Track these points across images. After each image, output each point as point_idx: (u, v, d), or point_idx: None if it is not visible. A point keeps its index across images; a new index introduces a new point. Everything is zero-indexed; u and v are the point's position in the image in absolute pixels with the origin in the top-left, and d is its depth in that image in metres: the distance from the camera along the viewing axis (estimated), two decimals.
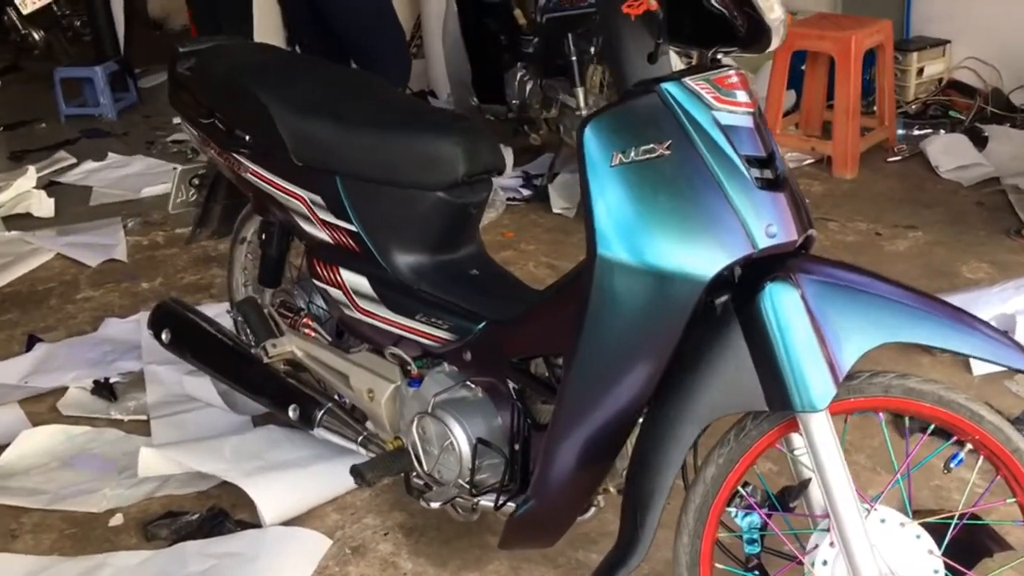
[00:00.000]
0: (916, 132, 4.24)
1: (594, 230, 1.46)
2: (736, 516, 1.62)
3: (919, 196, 3.77)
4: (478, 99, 4.38)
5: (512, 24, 4.16)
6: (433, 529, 2.18)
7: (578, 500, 1.71)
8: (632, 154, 1.44)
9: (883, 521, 1.51)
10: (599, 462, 1.65)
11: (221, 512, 2.22)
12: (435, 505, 1.84)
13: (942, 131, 4.19)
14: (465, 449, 1.82)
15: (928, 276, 3.06)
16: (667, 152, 1.44)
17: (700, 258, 1.43)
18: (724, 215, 1.43)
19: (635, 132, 1.46)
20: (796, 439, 1.63)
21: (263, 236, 2.28)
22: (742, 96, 1.47)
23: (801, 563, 1.58)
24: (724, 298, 1.51)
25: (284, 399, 2.18)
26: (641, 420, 1.58)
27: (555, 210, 3.85)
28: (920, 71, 4.50)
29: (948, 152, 3.97)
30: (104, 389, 2.77)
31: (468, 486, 1.83)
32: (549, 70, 3.88)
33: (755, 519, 1.63)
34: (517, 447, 1.78)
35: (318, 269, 2.08)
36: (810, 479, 1.60)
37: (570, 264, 3.51)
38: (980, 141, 4.03)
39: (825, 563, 1.53)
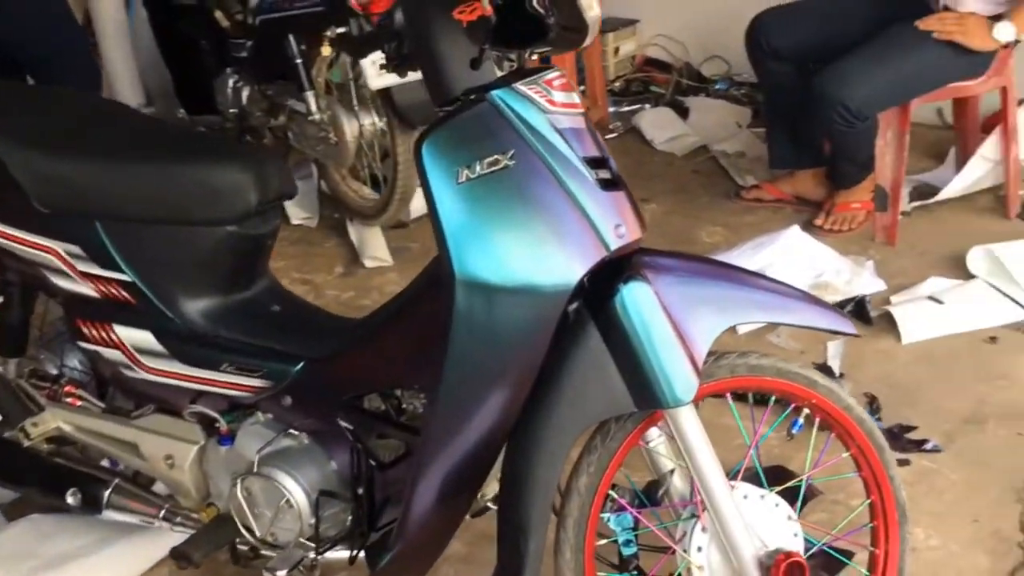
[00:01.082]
0: (625, 108, 4.48)
1: (449, 253, 1.36)
2: (608, 520, 1.61)
3: (642, 170, 3.99)
4: (185, 110, 4.03)
5: (214, 27, 3.86)
6: None
7: (446, 534, 1.61)
8: (477, 167, 1.36)
9: (745, 497, 1.55)
10: (468, 491, 1.56)
11: None
12: (281, 574, 1.66)
13: (647, 106, 4.47)
14: (304, 504, 1.65)
15: (673, 245, 3.24)
16: (511, 162, 1.37)
17: (559, 267, 1.38)
18: (575, 221, 1.39)
19: (475, 145, 1.38)
20: (651, 433, 1.64)
21: (0, 300, 1.93)
22: (572, 98, 1.43)
23: (675, 553, 1.60)
24: (576, 305, 1.47)
25: (58, 484, 1.87)
26: (507, 443, 1.51)
27: (294, 221, 3.65)
28: (616, 50, 4.76)
29: (657, 125, 4.24)
30: None
31: (313, 544, 1.66)
32: (266, 74, 3.65)
33: (627, 519, 1.63)
34: (360, 491, 1.65)
35: (84, 330, 1.79)
36: (672, 470, 1.63)
37: (326, 276, 3.37)
38: (683, 112, 4.34)
39: (700, 549, 1.55)
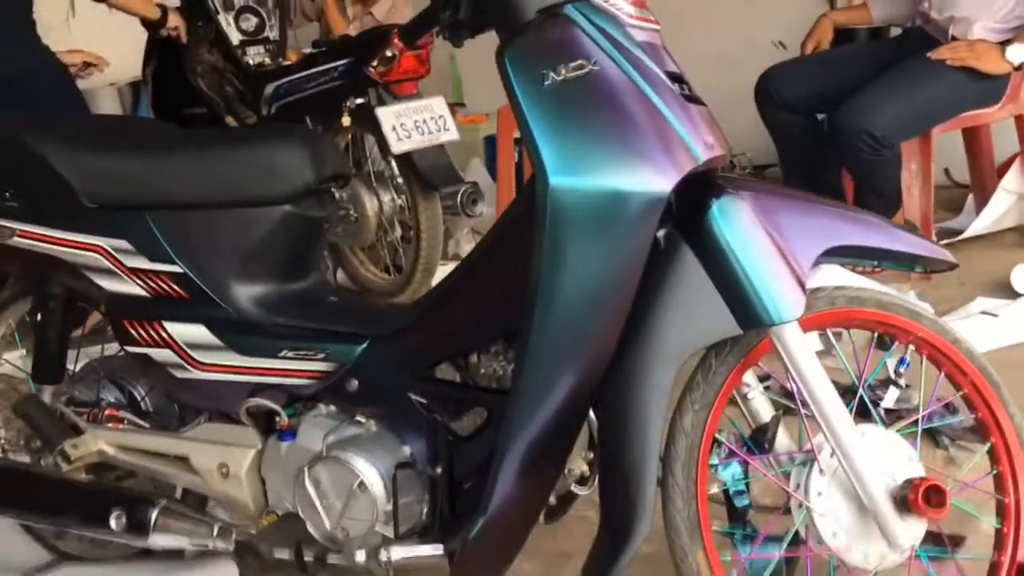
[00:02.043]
0: None
1: (541, 159, 1.29)
2: (717, 470, 1.48)
3: None
4: None
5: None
6: None
7: (537, 504, 1.47)
8: (563, 71, 1.31)
9: (863, 435, 1.43)
10: (561, 450, 1.43)
11: None
12: (360, 559, 1.49)
13: None
14: (378, 486, 1.51)
15: None
16: (595, 67, 1.32)
17: (651, 174, 1.31)
18: (664, 129, 1.33)
19: (557, 52, 1.33)
20: (749, 384, 1.53)
21: (39, 317, 1.83)
22: (646, 13, 1.40)
23: (788, 511, 1.46)
24: (666, 230, 1.39)
25: (100, 509, 1.70)
26: (603, 385, 1.39)
27: None
28: None
29: None
30: None
31: (392, 530, 1.50)
32: None
33: (736, 468, 1.49)
34: (440, 470, 1.51)
35: (132, 332, 1.68)
36: (779, 414, 1.51)
37: None
38: None
39: (820, 494, 1.41)
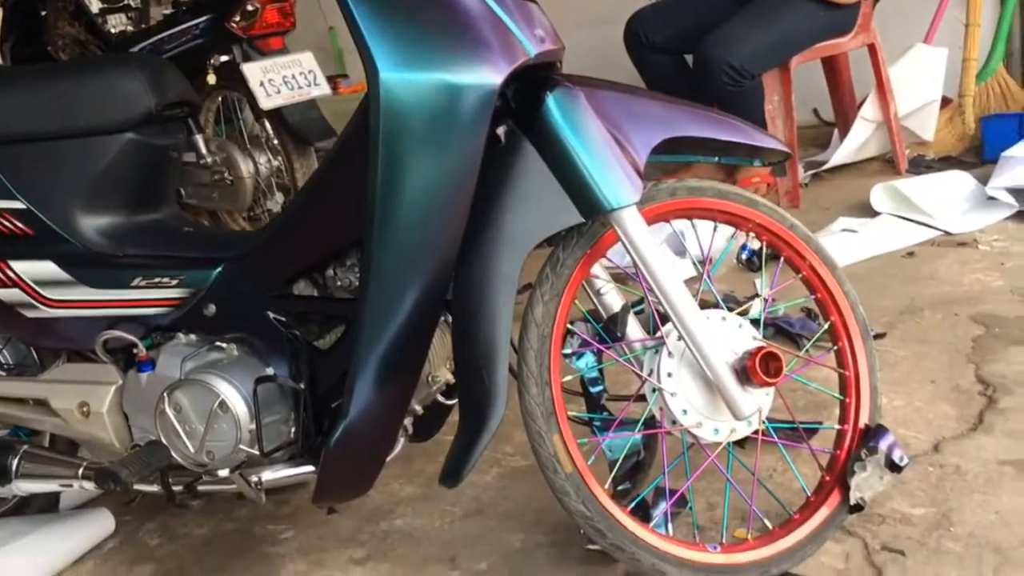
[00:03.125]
0: None
1: (371, 53, 1.29)
2: (571, 361, 1.52)
3: None
4: None
5: None
6: (196, 564, 1.78)
7: (398, 407, 1.48)
8: None
9: (707, 319, 1.48)
10: (416, 353, 1.44)
11: None
12: (223, 473, 1.49)
13: None
14: (239, 405, 1.50)
15: None
16: None
17: (485, 66, 1.33)
18: (495, 23, 1.35)
19: None
20: (597, 282, 1.58)
21: None
22: None
23: (642, 397, 1.51)
24: (505, 126, 1.42)
25: None
26: (454, 280, 1.41)
27: None
28: None
29: None
30: None
31: (257, 448, 1.50)
32: None
33: (590, 358, 1.54)
34: (302, 384, 1.51)
35: None
36: (628, 303, 1.56)
37: None
38: None
39: (670, 375, 1.47)
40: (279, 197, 3.47)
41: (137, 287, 1.59)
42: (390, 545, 1.74)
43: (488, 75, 1.34)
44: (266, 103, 3.11)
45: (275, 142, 3.38)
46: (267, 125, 3.37)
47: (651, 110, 1.51)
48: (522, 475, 1.91)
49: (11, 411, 1.72)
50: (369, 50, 1.30)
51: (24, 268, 1.62)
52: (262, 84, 3.11)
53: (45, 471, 1.66)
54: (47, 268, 1.61)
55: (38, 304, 1.62)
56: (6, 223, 1.61)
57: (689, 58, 3.41)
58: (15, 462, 1.65)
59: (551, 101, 1.39)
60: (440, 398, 1.66)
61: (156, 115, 1.62)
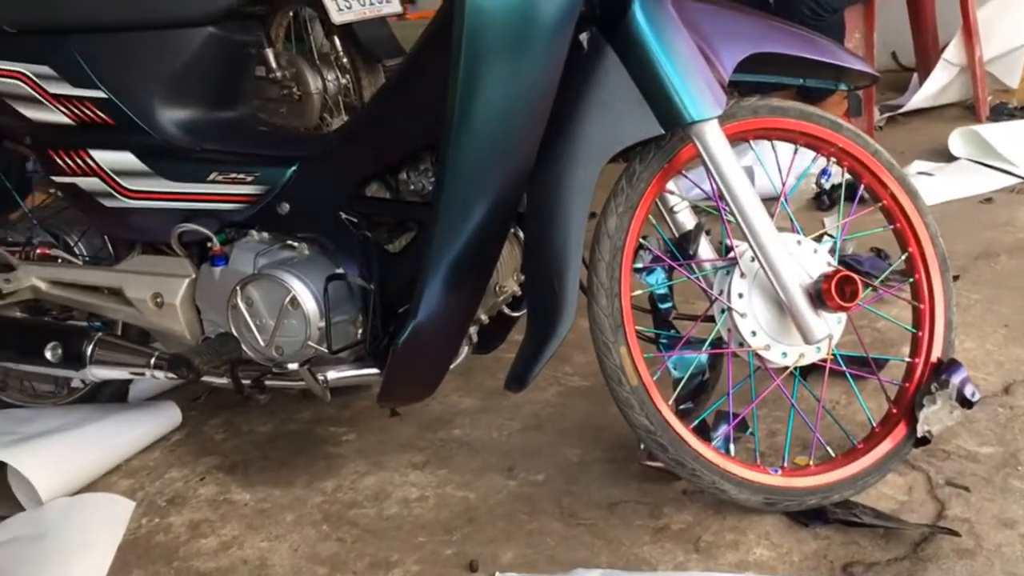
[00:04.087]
0: None
1: None
2: (642, 277, 1.51)
3: None
4: None
5: None
6: (260, 459, 1.82)
7: (466, 313, 1.48)
8: None
9: (783, 240, 1.45)
10: (487, 253, 1.44)
11: None
12: (292, 367, 1.52)
13: None
14: (310, 301, 1.52)
15: None
16: None
17: None
18: None
19: None
20: (670, 199, 1.56)
21: None
22: None
23: (710, 319, 1.49)
24: (588, 33, 1.40)
25: (36, 342, 1.71)
26: (530, 182, 1.40)
27: None
28: None
29: None
30: None
31: (325, 346, 1.52)
32: None
33: (660, 274, 1.53)
34: (372, 285, 1.52)
35: (58, 161, 1.67)
36: (702, 223, 1.54)
37: None
38: None
39: (741, 296, 1.45)
40: (344, 116, 3.47)
41: (213, 182, 1.61)
42: (448, 452, 1.77)
43: None
44: (337, 17, 3.08)
45: (344, 60, 3.36)
46: (337, 42, 3.34)
47: (739, 23, 1.47)
48: (581, 394, 1.92)
49: (86, 299, 1.76)
50: None
51: (104, 157, 1.64)
52: None
53: (118, 358, 1.70)
54: (126, 158, 1.63)
55: (116, 194, 1.65)
56: (87, 111, 1.63)
57: None
58: (90, 348, 1.69)
59: (637, 7, 1.36)
60: (505, 309, 1.66)
61: (237, 10, 1.61)
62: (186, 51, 1.61)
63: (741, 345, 1.46)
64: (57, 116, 1.64)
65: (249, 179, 1.59)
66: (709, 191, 1.48)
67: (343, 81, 3.42)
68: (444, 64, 1.34)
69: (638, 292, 1.49)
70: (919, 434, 1.49)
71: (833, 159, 1.57)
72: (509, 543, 1.49)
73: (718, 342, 1.49)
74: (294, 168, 1.58)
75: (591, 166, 1.37)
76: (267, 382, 1.62)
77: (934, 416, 1.48)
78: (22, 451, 1.69)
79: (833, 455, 1.51)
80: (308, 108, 3.41)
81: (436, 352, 1.50)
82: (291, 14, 3.40)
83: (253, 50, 1.69)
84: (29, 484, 1.67)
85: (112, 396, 1.97)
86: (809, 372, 1.63)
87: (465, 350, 1.62)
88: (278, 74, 3.33)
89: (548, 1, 1.30)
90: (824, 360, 1.49)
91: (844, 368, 1.54)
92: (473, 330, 1.61)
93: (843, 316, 1.46)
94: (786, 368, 1.48)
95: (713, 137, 1.38)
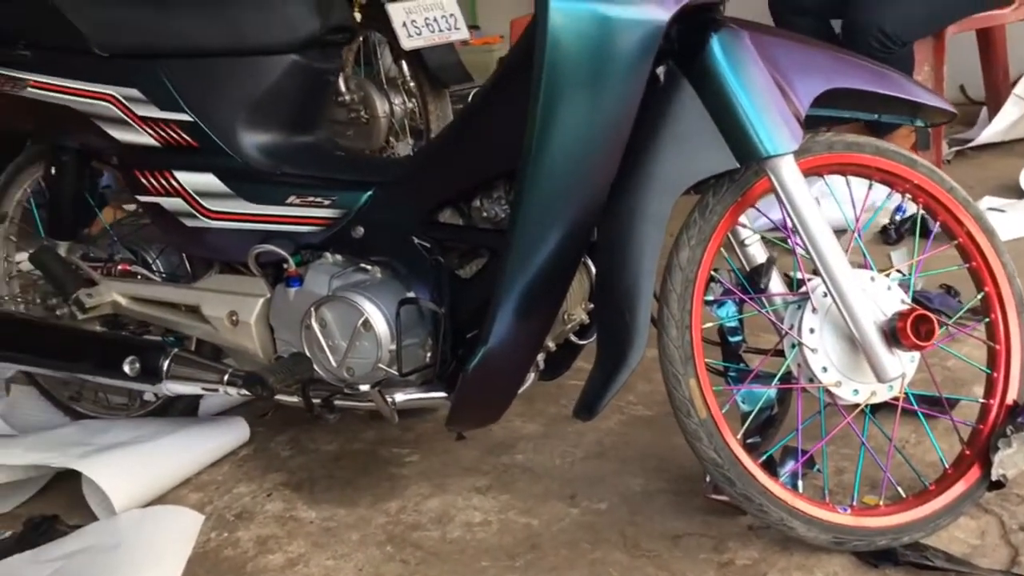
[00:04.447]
0: None
1: None
2: (712, 309, 1.51)
3: None
4: None
5: None
6: (325, 478, 1.85)
7: (535, 340, 1.50)
8: None
9: (856, 276, 1.45)
10: (558, 282, 1.46)
11: (46, 519, 1.74)
12: (363, 387, 1.54)
13: None
14: (382, 324, 1.55)
15: None
16: None
17: (653, 2, 1.32)
18: None
19: None
20: (742, 232, 1.56)
21: (53, 172, 1.86)
22: None
23: (779, 352, 1.49)
24: (665, 66, 1.41)
25: (115, 356, 1.76)
26: (603, 216, 1.41)
27: None
28: None
29: None
30: None
31: (396, 369, 1.55)
32: None
33: (731, 307, 1.53)
34: (443, 308, 1.55)
35: (143, 181, 1.72)
36: (774, 257, 1.54)
37: None
38: None
39: (812, 331, 1.44)
40: (410, 140, 3.52)
41: (291, 205, 1.65)
42: (511, 478, 1.78)
43: (656, 11, 1.33)
44: (407, 43, 3.14)
45: (411, 84, 3.42)
46: (404, 67, 3.40)
47: (816, 58, 1.47)
48: (644, 424, 1.92)
49: (164, 315, 1.81)
50: None
51: (187, 179, 1.69)
52: (404, 24, 3.14)
53: (193, 374, 1.74)
54: (208, 180, 1.68)
55: (198, 214, 1.70)
56: (173, 134, 1.69)
57: (836, 23, 3.30)
58: (166, 363, 1.73)
59: (715, 42, 1.37)
60: (573, 337, 1.67)
61: (319, 39, 1.66)
62: (269, 77, 1.66)
63: (811, 381, 1.46)
64: (144, 138, 1.70)
65: (326, 203, 1.63)
66: (777, 221, 1.48)
67: (409, 105, 3.48)
68: (522, 94, 1.37)
69: (708, 325, 1.49)
70: (993, 477, 1.46)
71: (908, 195, 1.55)
72: (572, 572, 1.50)
73: (788, 377, 1.48)
74: (369, 193, 1.61)
75: (665, 198, 1.38)
76: (336, 402, 1.65)
77: (1009, 460, 1.46)
78: (97, 462, 1.74)
79: (904, 495, 1.49)
80: (375, 131, 3.47)
81: (505, 378, 1.51)
82: (361, 39, 3.46)
83: (332, 77, 1.74)
84: (103, 494, 1.71)
85: (183, 410, 2.01)
86: (878, 409, 1.61)
87: (532, 376, 1.63)
88: (347, 97, 3.40)
89: (628, 36, 1.32)
90: (896, 398, 1.47)
91: (916, 407, 1.52)
92: (540, 357, 1.63)
93: (916, 355, 1.45)
94: (857, 406, 1.47)
95: (788, 172, 1.39)
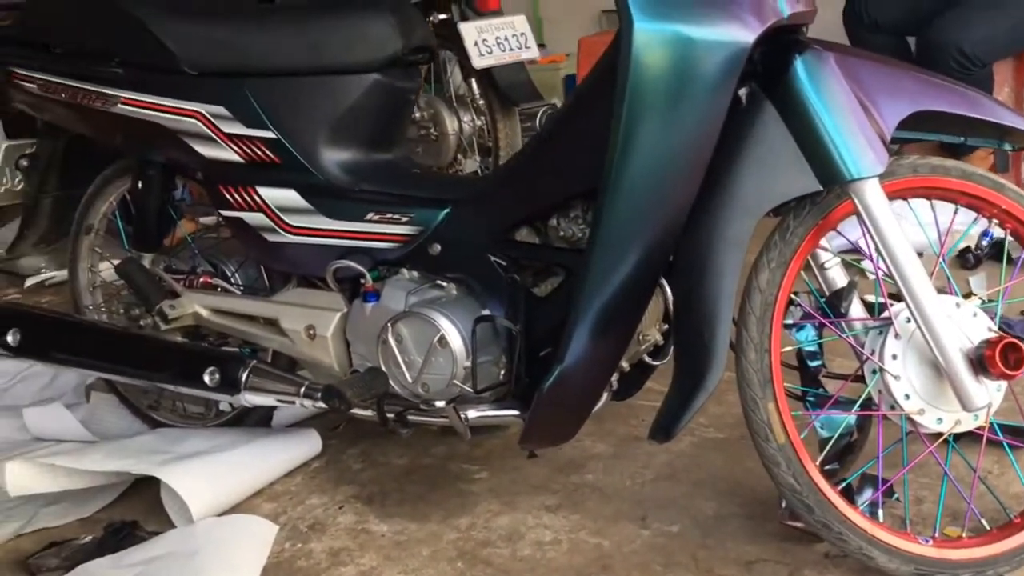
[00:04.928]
0: None
1: (627, 2, 1.31)
2: (791, 333, 1.50)
3: None
4: None
5: None
6: (396, 492, 1.86)
7: (611, 360, 1.50)
8: None
9: (942, 302, 1.42)
10: (636, 302, 1.46)
11: (126, 525, 1.78)
12: (439, 404, 1.56)
13: None
14: (458, 341, 1.56)
15: None
16: None
17: (737, 24, 1.32)
18: None
19: None
20: (822, 255, 1.55)
21: (139, 185, 1.92)
22: None
23: (859, 378, 1.46)
24: (748, 88, 1.40)
25: (196, 366, 1.80)
26: (683, 236, 1.41)
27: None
28: None
29: None
30: None
31: (471, 386, 1.56)
32: None
33: (810, 331, 1.51)
34: (518, 326, 1.55)
35: (227, 196, 1.77)
36: (855, 281, 1.52)
37: None
38: None
39: (895, 357, 1.42)
40: (477, 157, 3.56)
41: (370, 221, 1.67)
42: (581, 497, 1.77)
43: (740, 33, 1.33)
44: (478, 62, 3.18)
45: (480, 102, 3.46)
46: (474, 85, 3.44)
47: (901, 80, 1.45)
48: (716, 446, 1.90)
49: (244, 327, 1.85)
50: (626, 1, 1.31)
51: (269, 194, 1.73)
52: (476, 44, 3.18)
53: (270, 386, 1.77)
54: (290, 196, 1.72)
55: (279, 229, 1.73)
56: (257, 150, 1.73)
57: (912, 41, 3.25)
58: (245, 375, 1.76)
59: (800, 64, 1.37)
60: (646, 358, 1.66)
61: (401, 59, 1.69)
62: (352, 96, 1.70)
63: (893, 408, 1.43)
64: (229, 154, 1.74)
65: (404, 219, 1.65)
66: (857, 243, 1.46)
67: (478, 123, 3.52)
68: (602, 115, 1.38)
69: (787, 349, 1.47)
70: None
71: (995, 220, 1.52)
72: None
73: (868, 403, 1.46)
74: (447, 211, 1.63)
75: (745, 221, 1.37)
76: (410, 417, 1.66)
77: None
78: (176, 470, 1.78)
79: (988, 527, 1.45)
80: (444, 148, 3.51)
81: (580, 397, 1.51)
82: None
83: (412, 96, 1.77)
84: (181, 502, 1.75)
85: (257, 421, 2.05)
86: (960, 438, 1.57)
87: (604, 396, 1.63)
88: (417, 115, 3.45)
89: (711, 58, 1.32)
90: (980, 428, 1.44)
91: (1000, 437, 1.48)
92: (614, 377, 1.62)
93: (1003, 384, 1.41)
94: (940, 434, 1.44)
95: (873, 196, 1.37)
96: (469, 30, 3.19)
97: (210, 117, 1.73)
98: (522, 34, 3.30)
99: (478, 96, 3.45)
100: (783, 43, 1.39)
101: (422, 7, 3.28)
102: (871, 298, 1.57)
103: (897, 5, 3.25)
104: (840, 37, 3.41)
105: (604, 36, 4.92)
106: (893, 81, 1.43)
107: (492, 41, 3.22)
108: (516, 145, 3.41)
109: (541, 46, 5.68)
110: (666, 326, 1.61)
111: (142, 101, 1.78)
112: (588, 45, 4.30)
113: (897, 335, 1.42)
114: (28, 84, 1.93)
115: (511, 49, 3.25)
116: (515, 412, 1.58)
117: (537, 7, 6.01)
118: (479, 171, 3.55)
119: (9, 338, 1.95)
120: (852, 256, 1.67)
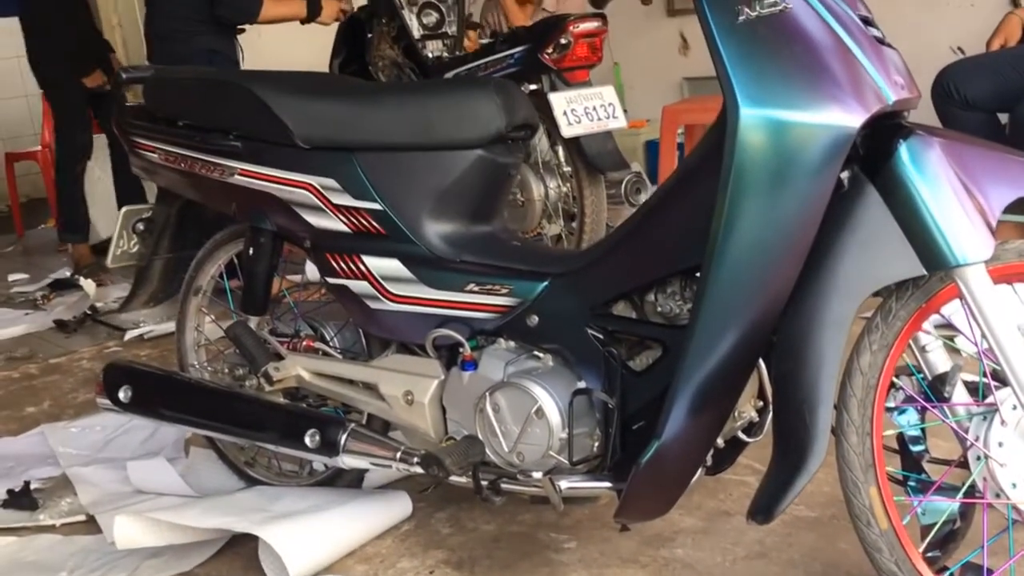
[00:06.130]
0: None
1: (733, 88, 1.34)
2: (893, 416, 1.49)
3: None
4: None
5: None
6: (486, 558, 1.88)
7: (708, 437, 1.51)
8: (757, 8, 1.37)
9: None
10: (735, 381, 1.47)
11: None
12: (536, 475, 1.58)
13: None
14: (554, 413, 1.59)
15: None
16: (788, 7, 1.37)
17: (842, 110, 1.35)
18: (854, 67, 1.37)
19: None
20: (923, 337, 1.54)
21: (250, 252, 2.00)
22: None
23: (963, 463, 1.45)
24: (850, 171, 1.42)
25: (297, 428, 1.85)
26: (784, 318, 1.42)
27: None
28: None
29: None
30: (22, 497, 2.29)
31: (566, 457, 1.58)
32: None
33: (913, 415, 1.50)
34: (614, 401, 1.57)
35: (333, 264, 1.84)
36: (960, 365, 1.51)
37: None
38: None
39: (1001, 444, 1.40)
40: (562, 222, 3.61)
41: (470, 292, 1.72)
42: (671, 572, 1.77)
43: (846, 119, 1.35)
44: (567, 131, 3.25)
45: (566, 169, 3.52)
46: (560, 152, 3.51)
47: (1006, 164, 1.45)
48: (807, 525, 1.88)
49: (343, 391, 1.90)
50: (732, 84, 1.35)
51: (374, 263, 1.79)
52: (565, 113, 3.25)
53: (368, 449, 1.81)
54: (393, 265, 1.78)
55: (381, 297, 1.79)
56: (364, 221, 1.80)
57: (1004, 117, 3.23)
58: (343, 437, 1.81)
59: (904, 149, 1.38)
60: (740, 434, 1.67)
61: (505, 135, 1.75)
62: (456, 170, 1.76)
63: (999, 496, 1.41)
64: (337, 224, 1.82)
65: (504, 291, 1.70)
66: (962, 328, 1.45)
67: (564, 189, 3.58)
68: (704, 195, 1.41)
69: (888, 432, 1.46)
70: None
71: None
72: None
73: (972, 490, 1.44)
74: (546, 283, 1.67)
75: (847, 303, 1.38)
76: (503, 485, 1.69)
77: None
78: (275, 528, 1.83)
79: None
80: (530, 214, 3.58)
81: (676, 473, 1.52)
82: None
83: (514, 171, 1.82)
84: (278, 559, 1.79)
85: (351, 481, 2.09)
86: None
87: (699, 471, 1.63)
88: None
89: (816, 143, 1.34)
90: None
91: None
92: (708, 453, 1.63)
93: None
94: None
95: (978, 281, 1.37)
96: (559, 100, 3.27)
97: (321, 189, 1.81)
98: (610, 104, 3.37)
99: (564, 163, 3.52)
100: (886, 128, 1.41)
101: (513, 78, 3.38)
102: (971, 376, 1.55)
103: (987, 82, 3.23)
104: (930, 113, 3.41)
105: (687, 104, 4.98)
106: (998, 166, 1.43)
107: (581, 111, 3.29)
108: (601, 211, 3.45)
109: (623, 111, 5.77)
110: (760, 403, 1.62)
111: (258, 172, 1.87)
112: (671, 113, 4.36)
113: (1003, 422, 1.41)
114: (150, 154, 2.05)
115: (599, 119, 3.31)
116: (609, 484, 1.59)
117: (619, 73, 6.11)
118: (562, 235, 3.61)
119: (121, 394, 2.04)
120: (948, 332, 1.66)
